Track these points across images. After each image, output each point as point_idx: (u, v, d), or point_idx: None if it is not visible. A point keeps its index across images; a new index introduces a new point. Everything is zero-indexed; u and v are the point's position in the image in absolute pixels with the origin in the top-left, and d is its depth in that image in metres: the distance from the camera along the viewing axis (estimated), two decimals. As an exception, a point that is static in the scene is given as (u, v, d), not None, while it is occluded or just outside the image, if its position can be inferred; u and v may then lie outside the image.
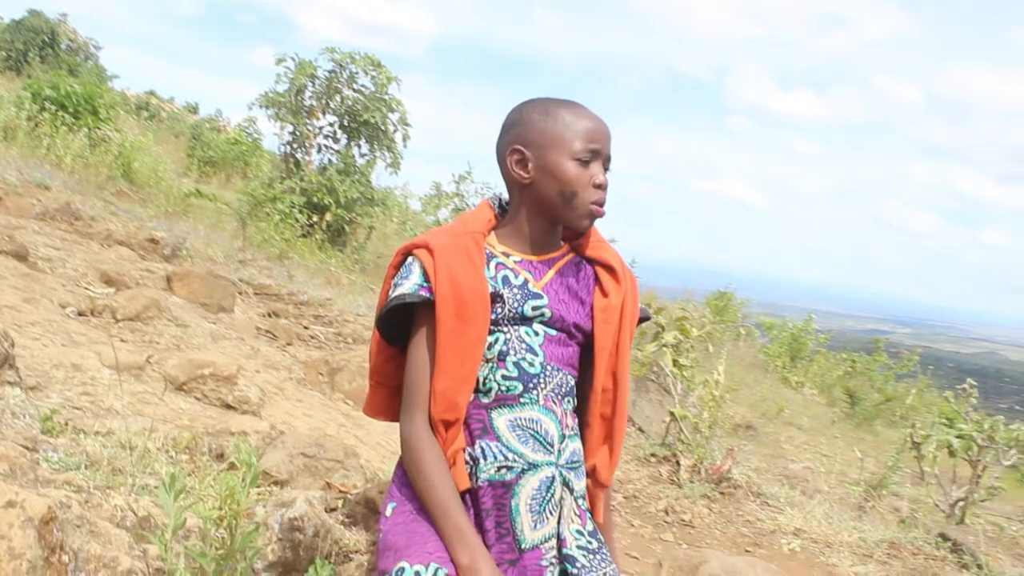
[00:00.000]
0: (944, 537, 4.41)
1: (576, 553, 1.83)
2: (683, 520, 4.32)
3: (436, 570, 1.64)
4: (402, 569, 1.64)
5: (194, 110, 29.28)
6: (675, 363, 5.66)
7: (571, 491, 1.87)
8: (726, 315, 16.53)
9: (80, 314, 4.63)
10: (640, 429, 5.73)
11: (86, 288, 5.15)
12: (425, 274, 1.80)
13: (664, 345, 5.75)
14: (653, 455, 5.00)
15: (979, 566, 4.13)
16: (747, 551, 3.97)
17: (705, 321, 10.94)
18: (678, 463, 4.82)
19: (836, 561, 4.00)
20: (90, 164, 9.94)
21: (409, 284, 1.81)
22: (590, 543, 1.87)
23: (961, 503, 5.06)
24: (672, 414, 5.06)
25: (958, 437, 5.04)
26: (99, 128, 10.94)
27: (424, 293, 1.79)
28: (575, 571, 1.81)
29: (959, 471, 5.47)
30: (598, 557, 1.87)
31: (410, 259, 1.85)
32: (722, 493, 4.63)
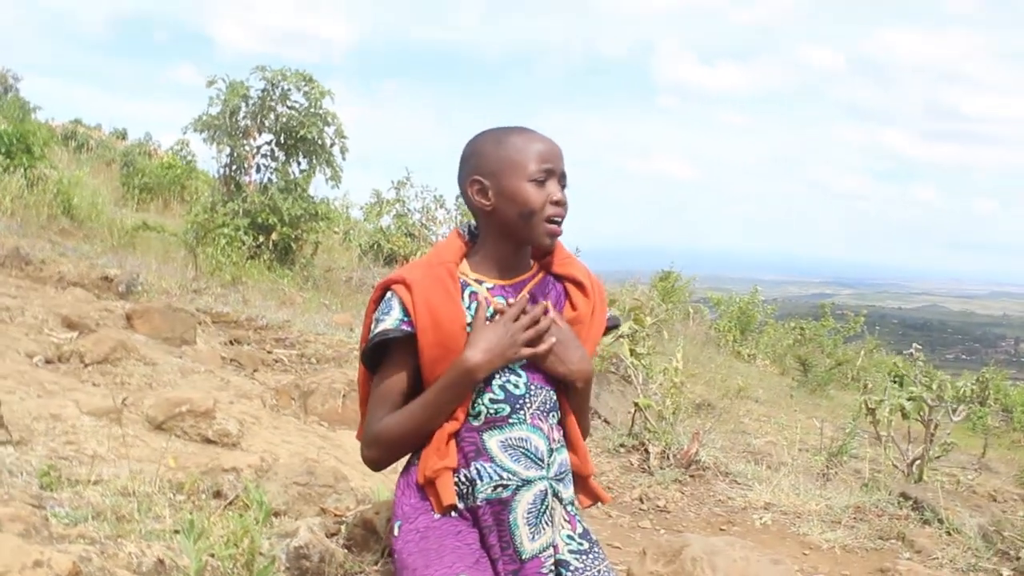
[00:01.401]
0: (905, 496, 4.63)
1: (569, 557, 1.99)
2: (658, 506, 4.49)
3: (461, 574, 1.78)
4: None
5: (122, 136, 28.84)
6: (632, 352, 5.82)
7: (560, 500, 2.02)
8: (674, 296, 16.77)
9: (48, 362, 4.66)
10: (606, 421, 5.89)
11: (49, 335, 5.17)
12: (405, 308, 1.93)
13: (620, 336, 5.90)
14: (622, 446, 5.16)
15: (940, 521, 4.35)
16: (722, 530, 4.15)
17: (655, 306, 11.15)
18: (647, 451, 4.99)
19: (807, 530, 4.20)
20: (30, 205, 9.86)
21: (390, 320, 1.93)
22: (581, 544, 2.03)
23: (918, 462, 5.30)
24: (636, 404, 5.22)
25: (909, 400, 5.27)
26: (35, 167, 10.84)
27: (406, 328, 1.91)
28: (569, 574, 1.96)
29: (913, 430, 5.70)
30: (590, 556, 2.02)
31: (389, 294, 1.97)
32: (692, 476, 4.81)
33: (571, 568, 1.97)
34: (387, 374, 1.97)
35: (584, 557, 2.00)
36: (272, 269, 10.65)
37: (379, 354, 1.99)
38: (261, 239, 11.06)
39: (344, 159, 12.33)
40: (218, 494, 2.85)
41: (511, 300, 1.99)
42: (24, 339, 4.90)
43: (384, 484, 3.09)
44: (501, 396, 1.95)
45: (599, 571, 2.00)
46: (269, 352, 6.40)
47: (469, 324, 1.94)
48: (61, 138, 20.23)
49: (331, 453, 4.18)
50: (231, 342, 6.43)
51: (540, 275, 2.08)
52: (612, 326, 2.18)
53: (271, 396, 5.07)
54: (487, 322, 1.91)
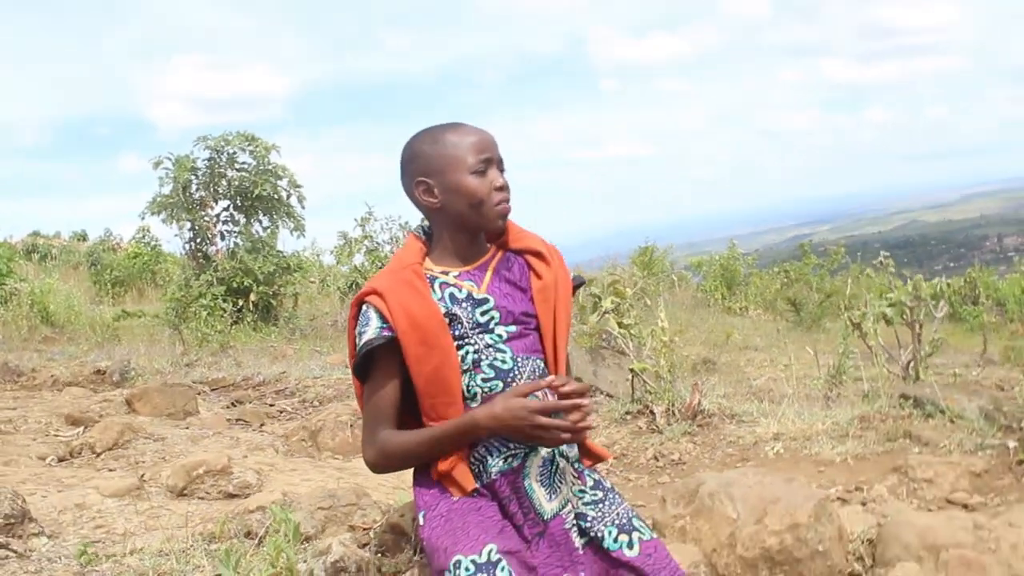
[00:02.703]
0: (905, 397, 4.76)
1: (585, 509, 2.10)
2: (673, 460, 4.61)
3: (489, 552, 1.88)
4: (458, 562, 1.86)
5: (83, 237, 28.77)
6: (620, 325, 5.93)
7: (567, 459, 2.13)
8: (654, 267, 16.87)
9: (61, 460, 4.76)
10: (608, 395, 6.00)
11: (56, 435, 5.27)
12: (382, 316, 2.03)
13: (605, 312, 6.02)
14: (627, 413, 5.27)
15: (942, 411, 4.49)
16: (737, 467, 4.27)
17: (636, 278, 11.27)
18: (652, 412, 5.10)
19: (818, 449, 4.32)
20: (8, 321, 9.94)
21: (371, 330, 2.03)
22: (595, 495, 2.14)
23: (911, 363, 5.43)
24: (632, 370, 5.34)
25: (889, 306, 5.40)
26: (4, 284, 10.92)
27: (387, 333, 2.01)
28: (588, 524, 2.07)
29: (903, 337, 5.82)
30: (607, 503, 2.13)
31: (364, 307, 2.07)
32: (700, 425, 4.92)
33: (589, 518, 2.08)
34: (378, 384, 2.08)
35: (600, 505, 2.11)
36: (258, 329, 10.72)
37: (368, 365, 2.09)
38: (241, 303, 11.12)
39: (303, 207, 12.40)
40: (249, 534, 2.96)
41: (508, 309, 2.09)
42: (33, 444, 5.00)
43: (405, 492, 3.19)
44: (492, 374, 2.06)
45: (618, 513, 2.11)
46: (272, 405, 6.50)
47: (446, 315, 2.05)
48: (23, 253, 20.24)
49: (350, 481, 4.29)
50: (233, 404, 6.52)
51: (500, 254, 2.20)
52: (578, 284, 2.30)
53: (282, 443, 5.18)
54: (516, 395, 1.97)
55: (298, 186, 12.26)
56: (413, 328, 2.00)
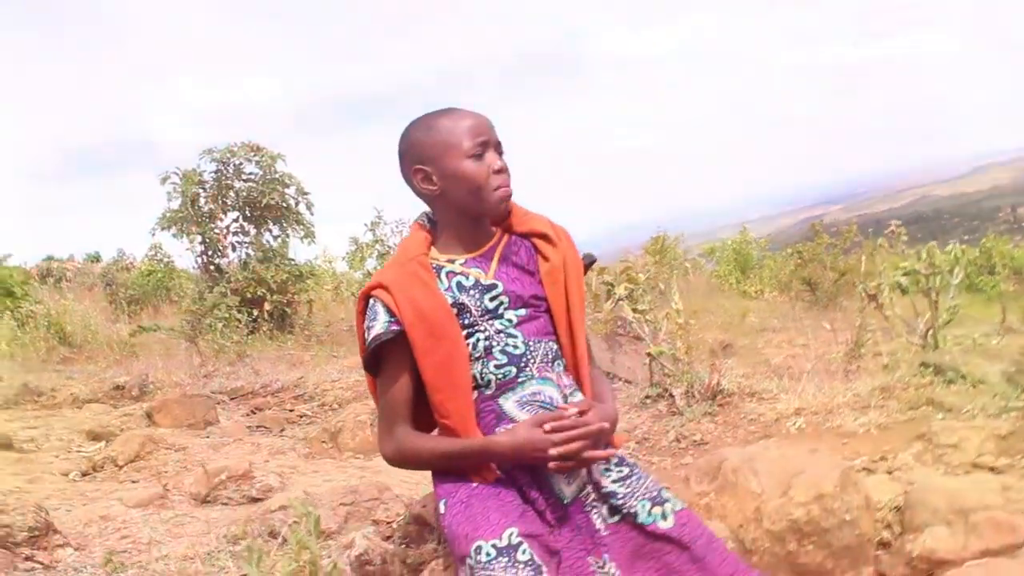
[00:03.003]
0: (925, 365, 4.72)
1: (613, 487, 2.07)
2: (695, 441, 4.59)
3: (510, 535, 1.86)
4: (479, 547, 1.85)
5: (96, 259, 28.91)
6: (635, 311, 5.91)
7: None
8: (667, 255, 16.82)
9: (84, 474, 4.77)
10: (627, 381, 5.97)
11: (78, 451, 5.28)
12: (389, 309, 2.02)
13: (619, 299, 6.00)
14: (647, 397, 5.25)
15: (963, 377, 4.45)
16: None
17: (649, 264, 11.23)
18: (671, 395, 5.08)
19: (840, 422, 4.29)
20: (26, 343, 9.97)
21: (379, 324, 2.02)
22: (620, 471, 2.11)
23: (930, 331, 5.39)
24: (649, 354, 5.31)
25: (904, 275, 5.36)
26: (20, 307, 10.96)
27: (395, 327, 2.01)
28: (621, 501, 2.05)
29: (920, 307, 5.78)
30: (633, 478, 2.10)
31: (371, 301, 2.07)
32: (720, 405, 4.90)
33: (620, 496, 2.06)
34: (390, 378, 2.07)
35: (628, 481, 2.09)
36: (274, 338, 10.73)
37: (379, 360, 2.09)
38: (255, 313, 11.13)
39: (312, 214, 12.41)
40: (272, 533, 2.96)
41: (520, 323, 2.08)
42: (56, 461, 5.01)
43: (427, 485, 3.17)
44: (504, 360, 2.05)
45: (647, 487, 2.08)
46: (291, 410, 6.50)
47: (453, 304, 2.04)
48: (39, 277, 20.32)
49: (372, 480, 4.28)
50: (252, 411, 6.53)
51: (506, 238, 2.18)
52: (589, 263, 2.28)
53: (303, 446, 5.19)
54: (536, 425, 1.96)
55: (306, 193, 12.26)
56: (420, 320, 1.99)
